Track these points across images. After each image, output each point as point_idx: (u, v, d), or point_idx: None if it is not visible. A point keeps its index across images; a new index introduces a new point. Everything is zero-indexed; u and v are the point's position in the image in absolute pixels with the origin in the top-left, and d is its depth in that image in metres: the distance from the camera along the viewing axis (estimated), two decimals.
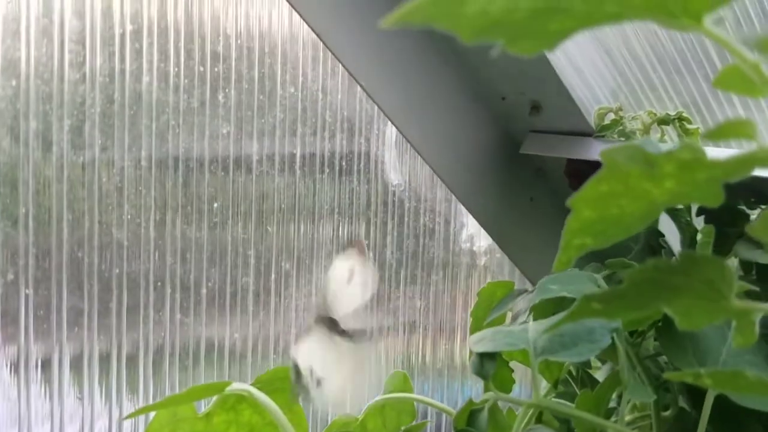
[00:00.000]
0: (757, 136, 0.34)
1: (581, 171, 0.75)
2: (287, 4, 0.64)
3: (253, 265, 0.68)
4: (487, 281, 0.73)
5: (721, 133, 0.34)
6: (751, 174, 0.35)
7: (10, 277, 0.57)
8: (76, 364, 0.62)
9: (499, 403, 0.54)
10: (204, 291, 0.66)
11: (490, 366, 0.51)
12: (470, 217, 0.83)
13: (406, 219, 0.81)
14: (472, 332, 0.71)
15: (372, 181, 0.77)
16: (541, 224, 0.84)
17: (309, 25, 0.65)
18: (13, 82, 0.55)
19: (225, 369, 0.68)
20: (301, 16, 0.64)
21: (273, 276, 0.69)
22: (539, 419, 0.57)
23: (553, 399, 0.58)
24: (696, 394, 0.52)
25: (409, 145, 0.76)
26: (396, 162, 0.80)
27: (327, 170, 0.74)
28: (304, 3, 0.65)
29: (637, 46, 0.72)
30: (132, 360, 0.63)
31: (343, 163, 0.75)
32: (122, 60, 0.60)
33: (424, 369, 0.84)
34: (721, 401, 0.52)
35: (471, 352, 0.56)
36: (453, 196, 0.81)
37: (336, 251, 0.75)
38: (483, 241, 0.88)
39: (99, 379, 0.63)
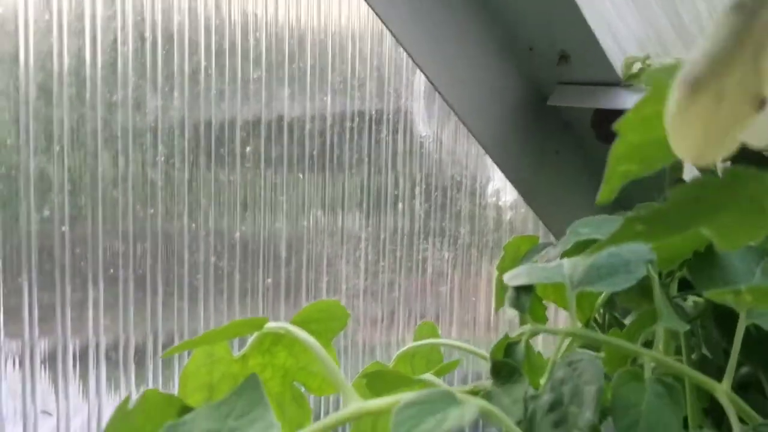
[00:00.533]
0: None
1: (608, 120, 0.75)
2: None
3: (286, 211, 0.68)
4: (512, 236, 0.74)
5: None
6: None
7: (46, 213, 0.57)
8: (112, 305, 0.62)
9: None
10: (237, 235, 0.66)
11: (526, 299, 0.51)
12: (497, 171, 0.83)
13: (434, 171, 0.81)
14: (497, 286, 0.72)
15: (400, 132, 0.78)
16: (566, 178, 0.86)
17: None
18: (46, 16, 0.55)
19: (258, 313, 0.68)
20: None
21: (305, 222, 0.69)
22: None
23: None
24: (726, 325, 0.52)
25: (437, 95, 0.76)
26: (424, 113, 0.80)
27: (357, 119, 0.74)
28: None
29: None
30: (168, 295, 0.63)
31: (373, 112, 0.75)
32: None
33: (451, 320, 0.85)
34: (750, 336, 0.52)
35: (502, 290, 0.56)
36: (480, 150, 0.82)
37: (364, 201, 0.75)
38: (509, 195, 0.89)
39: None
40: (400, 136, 0.77)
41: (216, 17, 0.62)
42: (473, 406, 0.41)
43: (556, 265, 0.51)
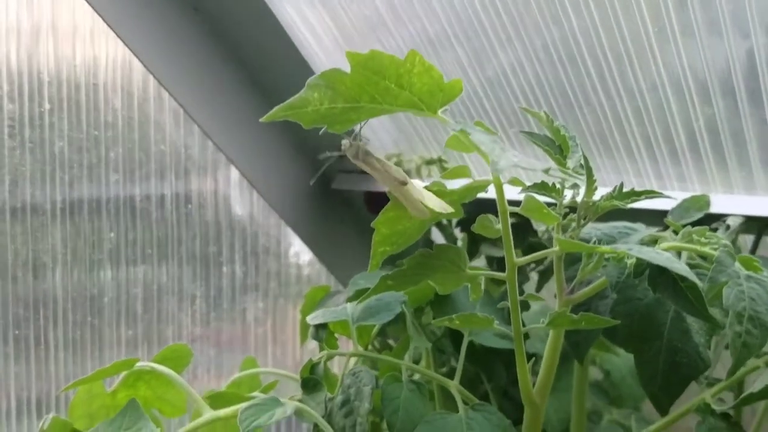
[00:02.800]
0: (471, 174, 0.53)
1: (376, 199, 0.90)
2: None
3: (141, 280, 0.80)
4: (310, 286, 0.86)
5: (451, 174, 0.53)
6: (478, 196, 0.54)
7: None
8: None
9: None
10: (105, 299, 0.78)
11: (323, 333, 0.65)
12: (296, 237, 0.95)
13: (249, 240, 0.92)
14: (301, 326, 0.84)
15: (222, 213, 0.88)
16: (348, 241, 0.98)
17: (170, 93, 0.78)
18: None
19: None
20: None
21: (154, 286, 0.82)
22: None
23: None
24: (457, 343, 0.67)
25: (246, 183, 0.89)
26: (239, 197, 0.91)
27: (189, 206, 0.85)
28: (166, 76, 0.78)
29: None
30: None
31: (201, 200, 0.86)
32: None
33: (266, 352, 0.96)
34: (474, 348, 0.67)
35: (305, 329, 0.70)
36: (283, 222, 0.93)
37: (201, 268, 0.87)
38: (306, 255, 0.99)
39: None
40: (222, 217, 0.88)
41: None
42: (292, 405, 0.56)
43: (342, 308, 0.65)
